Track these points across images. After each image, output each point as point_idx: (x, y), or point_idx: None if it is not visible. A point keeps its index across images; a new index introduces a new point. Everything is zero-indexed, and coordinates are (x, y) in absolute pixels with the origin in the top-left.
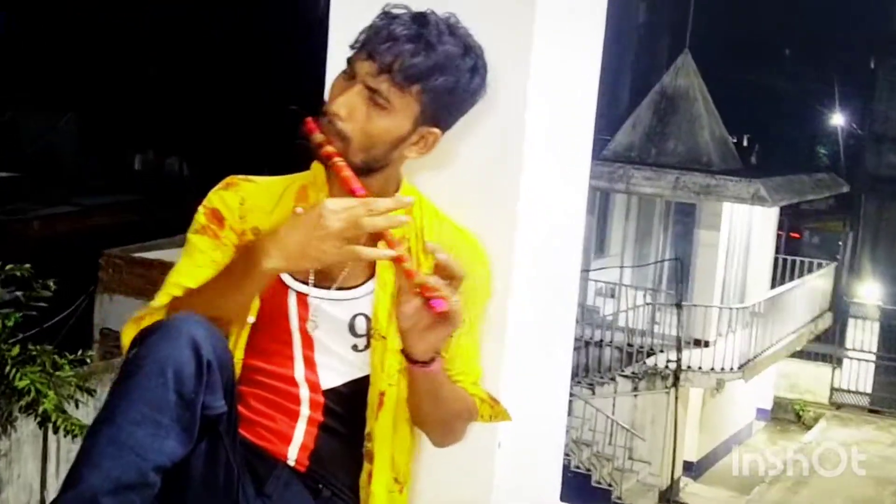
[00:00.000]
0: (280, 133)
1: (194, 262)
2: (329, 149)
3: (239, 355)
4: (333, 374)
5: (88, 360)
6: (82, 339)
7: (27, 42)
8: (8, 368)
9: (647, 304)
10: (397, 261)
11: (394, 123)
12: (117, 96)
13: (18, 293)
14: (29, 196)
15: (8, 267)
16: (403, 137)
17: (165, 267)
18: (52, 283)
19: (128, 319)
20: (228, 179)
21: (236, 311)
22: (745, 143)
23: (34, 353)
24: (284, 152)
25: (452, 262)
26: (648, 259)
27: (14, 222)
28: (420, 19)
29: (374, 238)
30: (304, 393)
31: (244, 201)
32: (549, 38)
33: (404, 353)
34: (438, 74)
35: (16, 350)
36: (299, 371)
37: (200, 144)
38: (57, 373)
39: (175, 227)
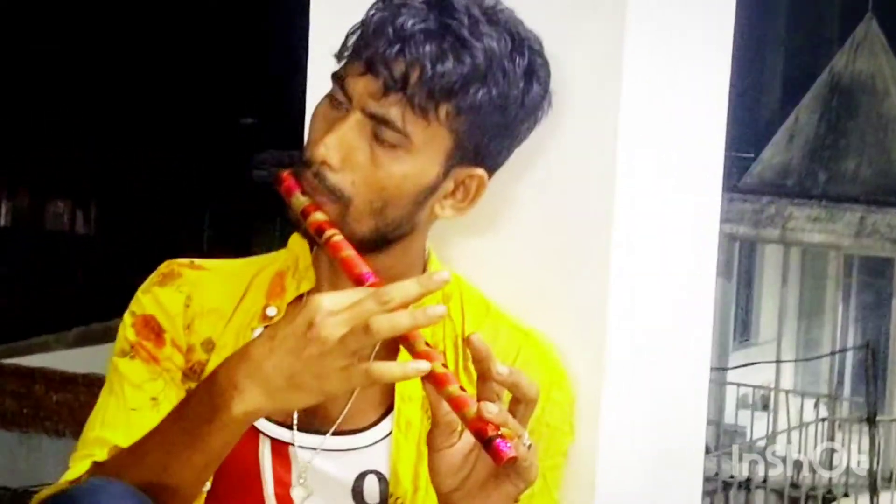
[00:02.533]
0: (228, 160)
1: (124, 404)
2: (318, 217)
3: None
4: None
5: None
6: None
7: None
8: None
9: (821, 419)
10: (437, 381)
11: (414, 167)
12: None
13: None
14: None
15: None
16: (431, 187)
17: (54, 380)
18: None
19: None
20: (165, 267)
21: (196, 479)
22: None
23: None
24: (235, 188)
25: (519, 376)
26: (820, 348)
27: None
28: (442, 3)
29: (393, 346)
30: None
31: (191, 301)
32: (646, 28)
33: None
34: (479, 85)
35: None
36: None
37: (105, 182)
38: None
39: (68, 314)
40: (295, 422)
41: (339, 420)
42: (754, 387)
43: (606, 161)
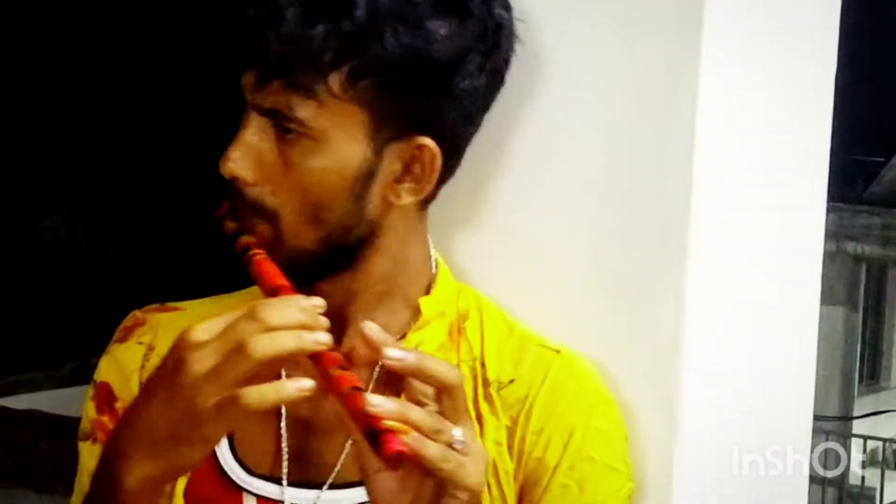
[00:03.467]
0: None
1: (84, 492)
2: (242, 239)
3: None
4: None
5: None
6: None
7: None
8: None
9: None
10: (332, 385)
11: (331, 156)
12: None
13: None
14: None
15: None
16: (365, 174)
17: (43, 425)
18: None
19: None
20: (129, 319)
21: None
22: None
23: None
24: None
25: (424, 359)
26: None
27: None
28: None
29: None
30: None
31: (151, 352)
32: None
33: None
34: (371, 39)
35: None
36: None
37: (107, 190)
38: None
39: (61, 346)
40: (284, 474)
41: (337, 469)
42: (885, 440)
43: (682, 161)
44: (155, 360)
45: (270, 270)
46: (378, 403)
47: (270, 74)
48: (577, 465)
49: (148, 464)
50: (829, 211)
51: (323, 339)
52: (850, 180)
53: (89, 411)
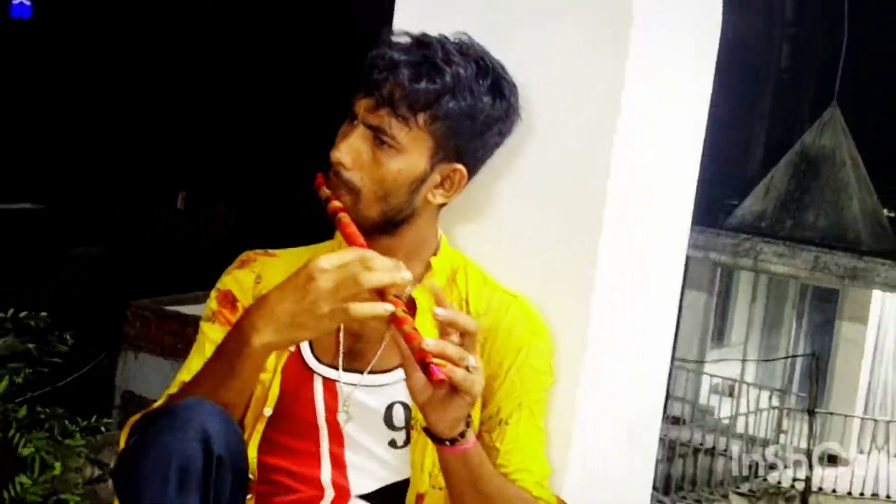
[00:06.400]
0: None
1: (204, 356)
2: (334, 203)
3: (252, 453)
4: (366, 478)
5: (103, 429)
6: (101, 404)
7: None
8: (12, 432)
9: (773, 407)
10: (398, 322)
11: (405, 163)
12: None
13: (30, 345)
14: (56, 228)
15: (22, 315)
16: (421, 178)
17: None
18: (68, 337)
19: (154, 381)
20: (244, 255)
21: (237, 398)
22: None
23: (42, 416)
24: None
25: (456, 315)
26: (777, 353)
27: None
28: (422, 42)
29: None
30: (330, 499)
31: (260, 279)
32: (645, 81)
33: (427, 431)
34: (449, 98)
35: (22, 411)
36: (325, 472)
37: (247, 182)
38: (66, 440)
39: (215, 274)
40: (340, 364)
41: (373, 363)
42: (724, 378)
43: (597, 194)
44: (263, 286)
45: (354, 232)
46: (429, 345)
47: (381, 104)
48: (521, 370)
49: (271, 334)
50: (699, 233)
51: (407, 276)
52: (714, 213)
53: (213, 305)
